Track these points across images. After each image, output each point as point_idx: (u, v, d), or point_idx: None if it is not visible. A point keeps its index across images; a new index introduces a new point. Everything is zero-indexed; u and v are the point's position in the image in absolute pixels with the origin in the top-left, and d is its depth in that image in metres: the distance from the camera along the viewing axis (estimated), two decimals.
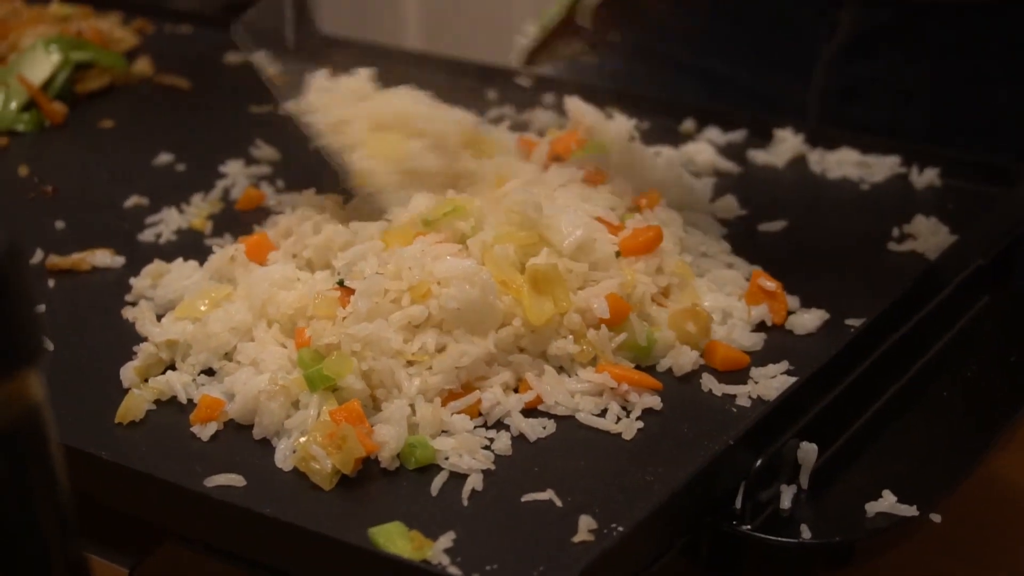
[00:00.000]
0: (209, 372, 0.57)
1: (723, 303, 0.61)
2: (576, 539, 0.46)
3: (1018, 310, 0.66)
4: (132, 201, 0.74)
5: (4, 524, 0.34)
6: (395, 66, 0.84)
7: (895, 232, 0.69)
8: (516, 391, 0.55)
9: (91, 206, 0.74)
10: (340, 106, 0.72)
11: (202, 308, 0.59)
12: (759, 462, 0.51)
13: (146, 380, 0.56)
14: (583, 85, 0.80)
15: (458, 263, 0.56)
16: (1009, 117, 0.85)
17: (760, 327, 0.60)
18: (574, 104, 0.72)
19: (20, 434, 0.33)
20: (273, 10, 0.79)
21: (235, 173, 0.78)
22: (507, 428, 0.53)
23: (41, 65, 0.88)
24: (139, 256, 0.67)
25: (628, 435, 0.53)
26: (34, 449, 0.34)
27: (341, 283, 0.58)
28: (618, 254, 0.60)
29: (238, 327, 0.57)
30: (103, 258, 0.67)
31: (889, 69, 0.89)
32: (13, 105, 0.85)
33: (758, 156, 0.80)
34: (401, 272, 0.56)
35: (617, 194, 0.67)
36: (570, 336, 0.57)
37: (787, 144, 0.80)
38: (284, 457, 0.51)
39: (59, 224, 0.72)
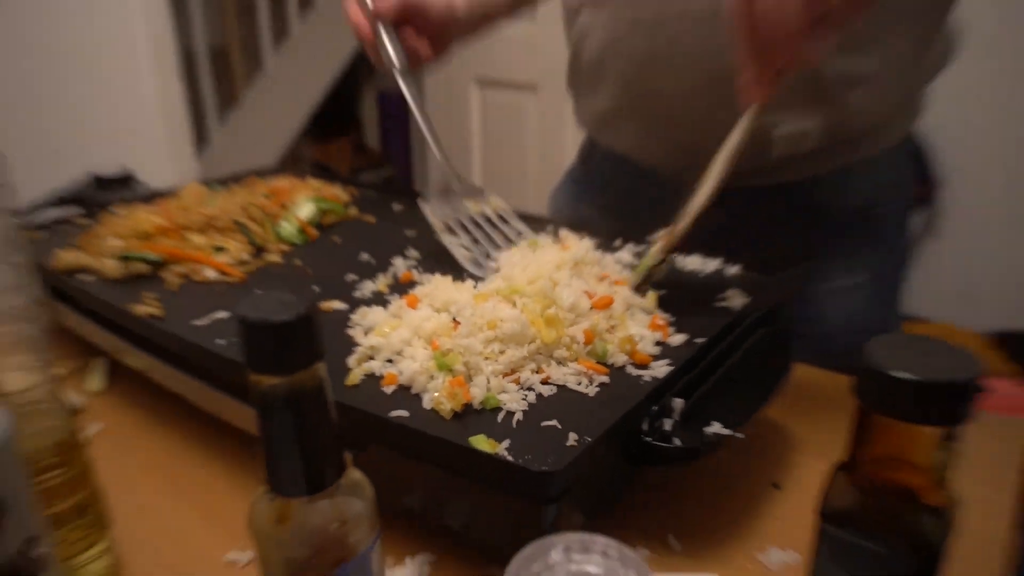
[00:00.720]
0: (390, 361, 0.59)
1: (641, 332, 0.61)
2: (567, 444, 0.48)
3: (776, 334, 0.67)
4: (349, 277, 0.77)
5: (309, 437, 0.36)
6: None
7: (719, 296, 0.69)
8: (538, 373, 0.57)
9: (330, 279, 0.77)
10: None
11: (386, 330, 0.61)
12: (655, 408, 0.54)
13: (360, 364, 0.59)
14: (570, 222, 0.81)
15: (509, 311, 0.59)
16: (777, 253, 0.80)
17: (657, 344, 0.61)
18: (565, 232, 0.74)
19: (316, 392, 0.36)
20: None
21: (398, 264, 0.79)
22: (533, 390, 0.55)
23: (305, 209, 0.92)
24: (354, 304, 0.69)
25: (591, 394, 0.55)
26: (322, 399, 0.37)
27: (454, 319, 0.61)
28: (592, 308, 0.62)
29: (404, 340, 0.60)
30: (337, 305, 0.70)
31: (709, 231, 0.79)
32: (292, 229, 0.89)
33: None
34: (484, 314, 0.59)
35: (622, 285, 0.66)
36: (564, 348, 0.59)
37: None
38: (428, 402, 0.53)
39: (315, 288, 0.75)
